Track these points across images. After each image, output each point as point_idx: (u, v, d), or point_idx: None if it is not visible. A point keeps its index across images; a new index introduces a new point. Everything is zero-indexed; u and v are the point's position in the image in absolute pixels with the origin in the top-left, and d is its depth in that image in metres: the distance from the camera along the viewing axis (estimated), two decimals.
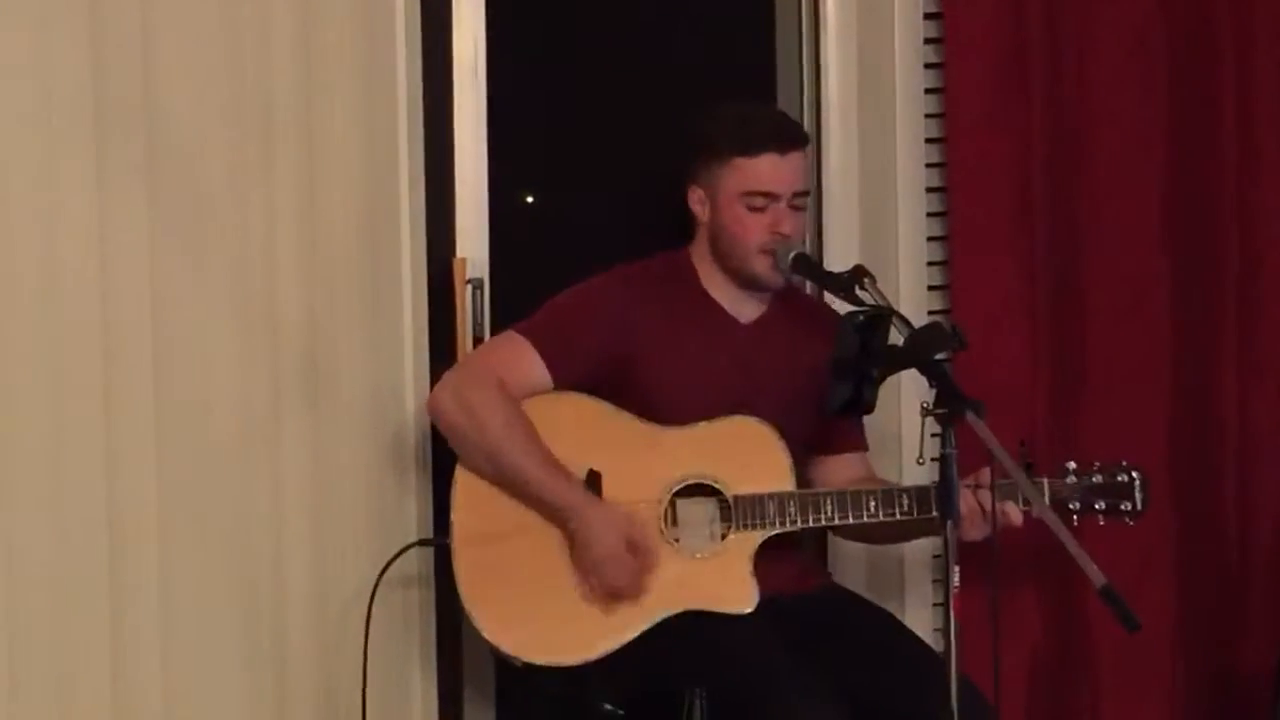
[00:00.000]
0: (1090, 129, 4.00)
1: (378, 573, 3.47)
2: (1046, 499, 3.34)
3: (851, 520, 3.36)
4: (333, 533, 3.53)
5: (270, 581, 3.47)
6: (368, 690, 3.46)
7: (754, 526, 3.33)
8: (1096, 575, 2.89)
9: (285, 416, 3.47)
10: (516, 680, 3.70)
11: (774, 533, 3.34)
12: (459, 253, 3.72)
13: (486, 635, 3.33)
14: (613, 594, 3.30)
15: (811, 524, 3.35)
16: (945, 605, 2.90)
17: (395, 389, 3.59)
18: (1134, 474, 3.44)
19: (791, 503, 3.34)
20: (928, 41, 3.97)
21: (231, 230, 3.43)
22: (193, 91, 3.39)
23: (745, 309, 3.50)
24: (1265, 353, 4.13)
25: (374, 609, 3.46)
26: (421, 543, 3.54)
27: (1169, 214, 4.07)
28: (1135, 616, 2.82)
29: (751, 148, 3.41)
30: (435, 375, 3.57)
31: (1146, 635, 3.51)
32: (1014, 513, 3.30)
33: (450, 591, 3.44)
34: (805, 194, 3.46)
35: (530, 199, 3.95)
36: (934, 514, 3.29)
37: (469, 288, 3.69)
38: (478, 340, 3.68)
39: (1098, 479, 3.44)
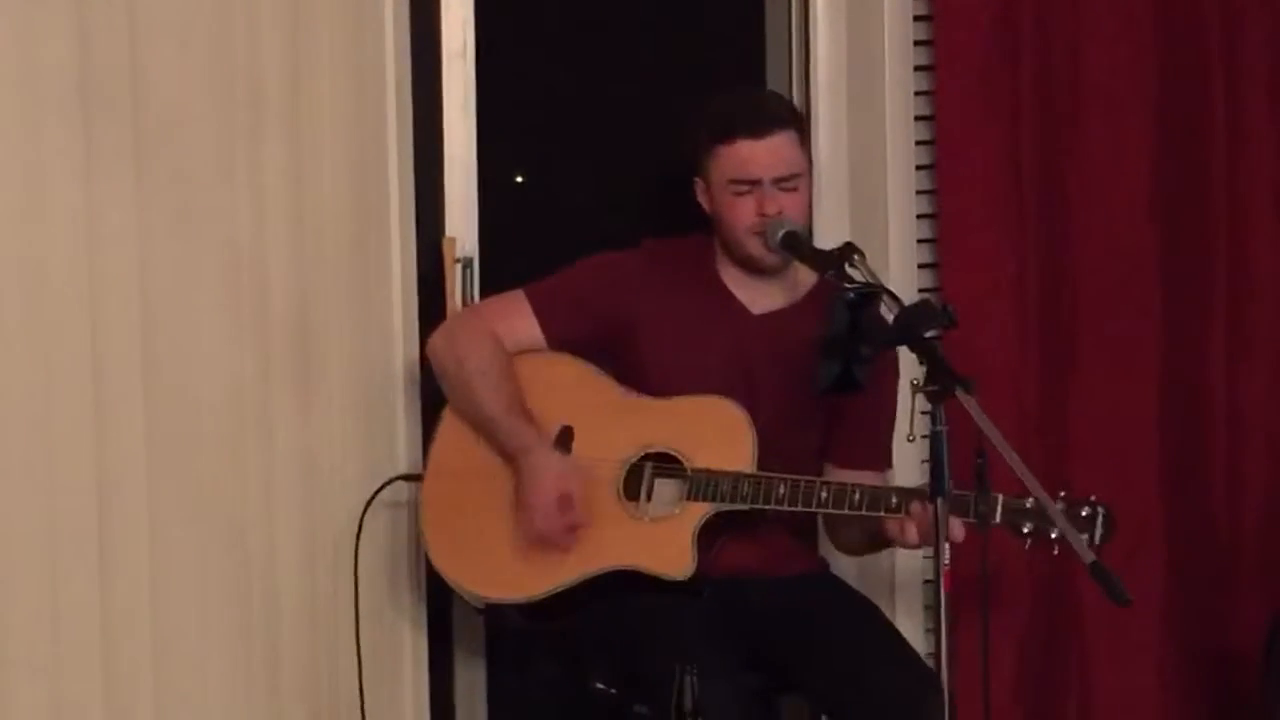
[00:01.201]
0: (1080, 108, 4.00)
1: (382, 571, 3.51)
2: (999, 517, 3.27)
3: (801, 507, 3.36)
4: (321, 512, 3.53)
5: (261, 570, 3.48)
6: (360, 632, 3.50)
7: (705, 499, 3.37)
8: (1085, 552, 2.89)
9: (275, 395, 3.47)
10: (509, 663, 3.72)
11: (723, 508, 3.37)
12: (448, 232, 3.72)
13: (432, 560, 3.44)
14: (538, 539, 3.37)
15: (761, 505, 3.37)
16: (936, 582, 2.90)
17: (385, 367, 3.59)
18: (1099, 509, 3.32)
19: (745, 482, 3.36)
20: (917, 19, 3.96)
21: (220, 209, 3.43)
22: (179, 71, 3.38)
23: (759, 299, 3.52)
24: (1254, 332, 4.14)
25: (360, 559, 3.49)
26: (400, 479, 3.58)
27: (1158, 193, 4.07)
28: (1125, 591, 2.83)
29: (727, 135, 3.43)
30: (425, 355, 3.58)
31: (1136, 612, 3.53)
32: (956, 528, 3.17)
33: (442, 593, 3.54)
34: (794, 175, 3.44)
35: (519, 178, 3.95)
36: (884, 514, 3.32)
37: (459, 266, 3.69)
38: None
39: (1060, 506, 3.19)
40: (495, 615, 3.59)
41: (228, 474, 3.44)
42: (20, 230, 3.26)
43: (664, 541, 3.37)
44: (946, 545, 2.90)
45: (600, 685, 3.43)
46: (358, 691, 3.51)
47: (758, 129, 3.42)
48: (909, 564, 3.93)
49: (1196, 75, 4.08)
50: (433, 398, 3.55)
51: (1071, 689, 4.03)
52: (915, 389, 2.95)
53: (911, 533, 3.31)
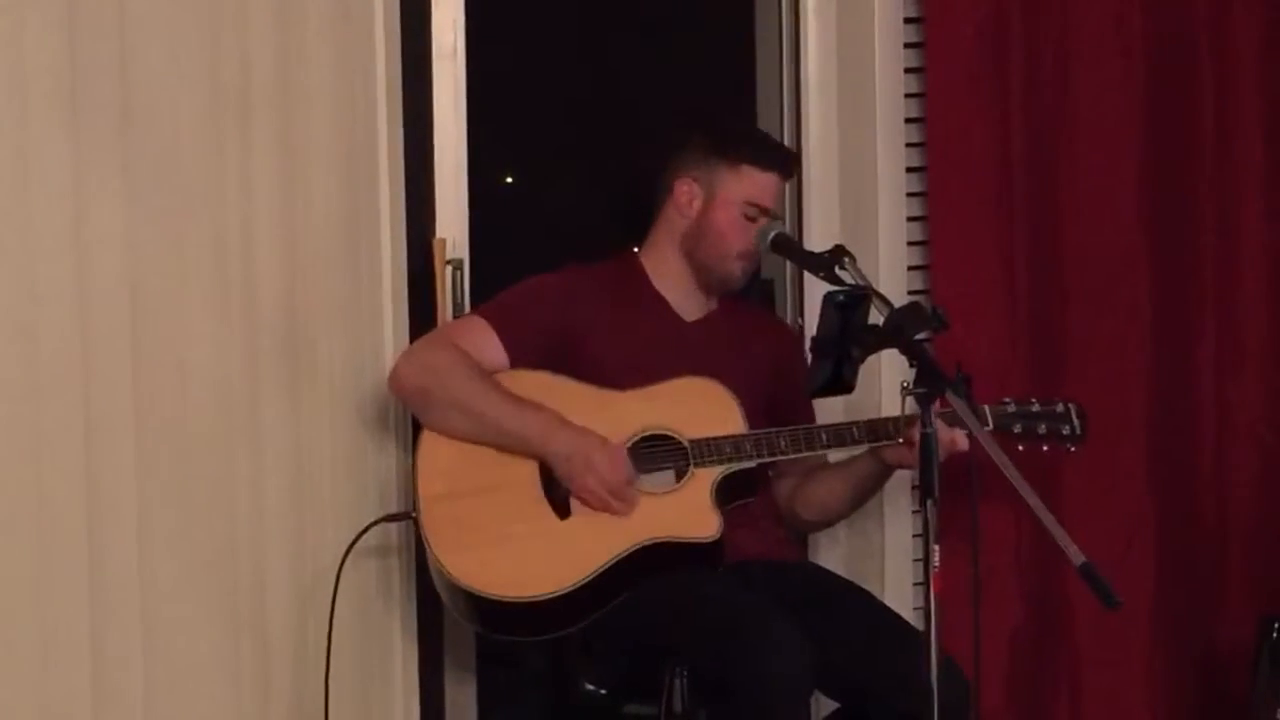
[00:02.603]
0: (1069, 110, 4.01)
1: (370, 571, 3.47)
2: (990, 423, 3.47)
3: (804, 450, 3.45)
4: (312, 513, 3.52)
5: (250, 559, 3.46)
6: (331, 663, 3.45)
7: (712, 462, 3.40)
8: (1075, 554, 2.89)
9: (264, 397, 3.47)
10: (499, 660, 3.72)
11: (735, 466, 3.40)
12: (439, 233, 3.72)
13: (460, 577, 3.36)
14: (599, 500, 3.35)
15: (766, 457, 3.43)
16: (925, 584, 2.90)
17: (375, 369, 3.58)
18: (1069, 405, 3.58)
19: (747, 441, 3.42)
20: (908, 21, 3.97)
21: (209, 210, 3.42)
22: (168, 72, 3.37)
23: (691, 307, 3.59)
24: (1243, 333, 4.15)
25: (341, 585, 3.45)
26: (389, 518, 3.54)
27: (1147, 194, 4.08)
28: (1115, 594, 2.83)
29: (765, 163, 3.53)
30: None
31: (1126, 612, 3.53)
32: (960, 438, 3.32)
33: (430, 592, 3.48)
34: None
35: (510, 179, 3.95)
36: (884, 442, 3.45)
37: (449, 268, 3.69)
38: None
39: (1035, 407, 3.56)
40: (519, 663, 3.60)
41: (217, 476, 3.43)
42: (8, 230, 3.25)
43: (686, 509, 3.39)
44: (936, 547, 2.90)
45: (590, 686, 3.43)
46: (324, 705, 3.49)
47: (787, 172, 3.59)
48: (895, 565, 3.94)
49: (1186, 77, 4.09)
50: None
51: (1062, 688, 4.03)
52: (905, 391, 2.96)
53: (911, 455, 3.31)
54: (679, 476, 3.41)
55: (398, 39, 3.61)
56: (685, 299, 3.58)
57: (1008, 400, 3.57)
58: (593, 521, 3.37)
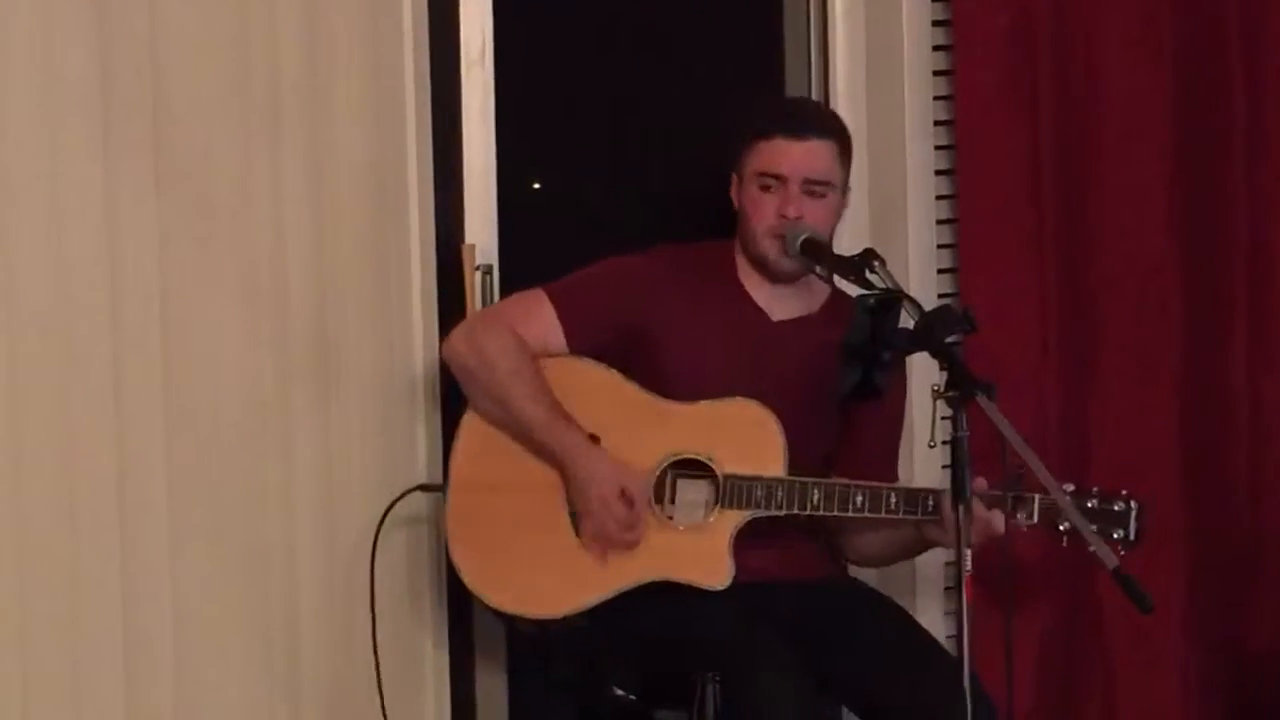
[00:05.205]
0: (1099, 111, 4.00)
1: (400, 575, 3.46)
2: (1035, 516, 3.30)
3: (837, 511, 3.35)
4: (343, 516, 3.52)
5: (282, 574, 3.47)
6: (378, 638, 3.47)
7: (739, 506, 3.35)
8: (1109, 557, 2.89)
9: (295, 402, 3.47)
10: (530, 667, 3.72)
11: (758, 514, 3.35)
12: (468, 239, 3.72)
13: (464, 579, 3.37)
14: (605, 539, 3.33)
15: (798, 510, 3.35)
16: (957, 589, 2.90)
17: (406, 374, 3.58)
18: (1132, 503, 3.34)
19: (780, 488, 3.35)
20: (936, 24, 3.96)
21: (239, 216, 3.42)
22: (199, 78, 3.37)
23: (779, 306, 3.50)
24: (1274, 332, 4.13)
25: (376, 567, 3.47)
26: (418, 489, 3.54)
27: (1178, 194, 4.06)
28: (1148, 597, 2.82)
29: (768, 131, 3.43)
30: (444, 356, 3.57)
31: (1158, 615, 3.52)
32: (996, 521, 3.24)
33: (461, 598, 3.51)
34: (824, 183, 3.43)
35: (538, 185, 3.95)
36: (920, 516, 3.32)
37: (478, 273, 3.69)
38: None
39: (1092, 504, 3.32)
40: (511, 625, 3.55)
41: (248, 481, 3.44)
42: (40, 233, 3.26)
43: (700, 551, 3.35)
44: (968, 551, 2.89)
45: (620, 691, 3.43)
46: (378, 702, 3.50)
47: (798, 131, 3.43)
48: (926, 571, 3.93)
49: (1216, 77, 4.08)
50: (453, 404, 3.54)
51: (1095, 692, 4.02)
52: (936, 395, 2.95)
53: (947, 538, 3.27)
54: (706, 510, 3.37)
55: (426, 45, 3.61)
56: (770, 297, 3.49)
57: (1067, 487, 3.24)
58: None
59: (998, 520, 3.21)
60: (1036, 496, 3.29)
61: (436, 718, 3.65)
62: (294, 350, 3.48)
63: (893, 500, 3.34)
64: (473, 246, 3.71)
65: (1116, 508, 3.33)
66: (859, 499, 3.34)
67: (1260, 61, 4.09)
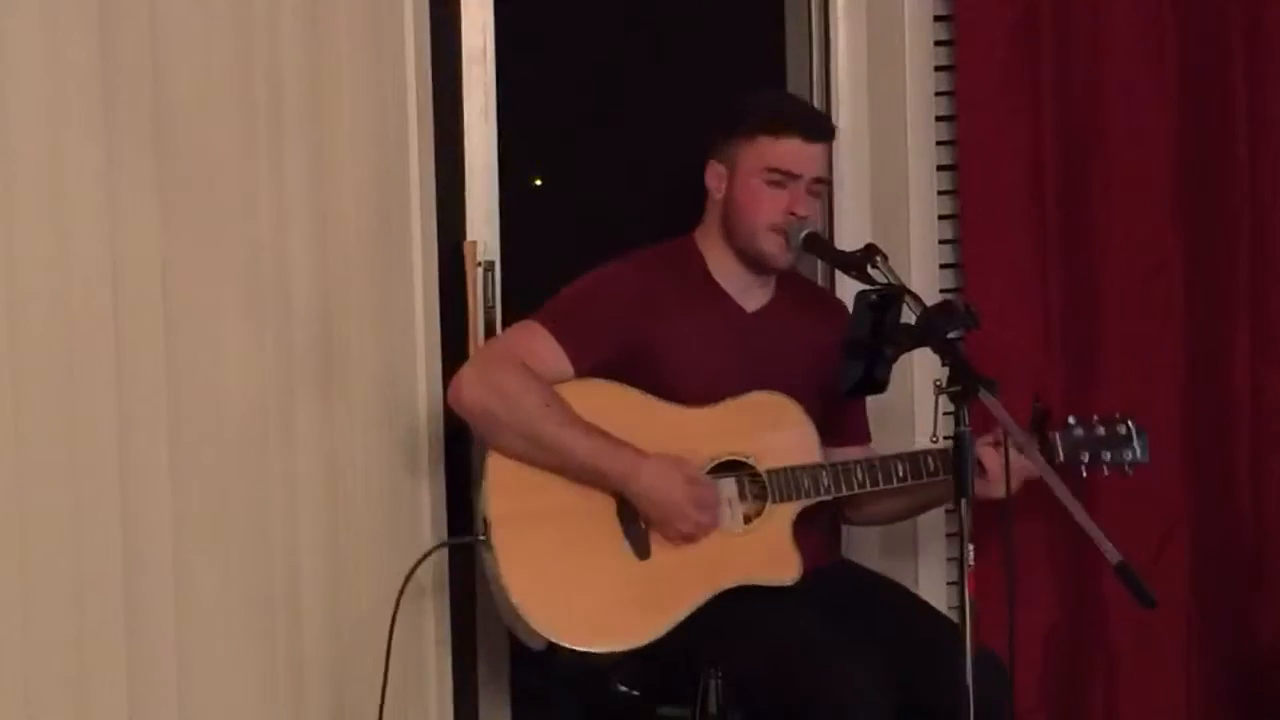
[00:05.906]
0: (1101, 106, 3.99)
1: (403, 576, 3.42)
2: (1061, 455, 3.48)
3: (882, 485, 3.42)
4: (346, 517, 3.53)
5: (285, 574, 3.47)
6: (387, 689, 3.43)
7: (790, 498, 3.37)
8: (1112, 552, 2.88)
9: (298, 402, 3.47)
10: (531, 664, 3.71)
11: (810, 502, 3.38)
12: (469, 236, 3.72)
13: (539, 628, 3.29)
14: (689, 531, 3.31)
15: (844, 492, 3.41)
16: (960, 584, 2.89)
17: (408, 372, 3.59)
18: (1129, 424, 3.57)
19: (824, 473, 3.39)
20: (938, 19, 3.96)
21: (241, 213, 3.42)
22: (201, 77, 3.38)
23: (751, 296, 3.51)
24: (1278, 330, 4.12)
25: (399, 610, 3.43)
26: (448, 544, 3.52)
27: (1181, 190, 4.06)
28: (1151, 593, 2.82)
29: (780, 129, 3.44)
30: (447, 358, 3.58)
31: (1162, 612, 3.52)
32: (1031, 459, 3.24)
33: (464, 589, 3.46)
34: (825, 182, 3.50)
35: (539, 182, 3.95)
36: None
37: (480, 270, 3.70)
38: (489, 323, 3.69)
39: (1101, 430, 3.55)
40: (551, 666, 3.42)
41: (251, 480, 3.44)
42: (43, 237, 3.26)
43: (767, 550, 3.36)
44: (971, 547, 2.89)
45: (623, 688, 3.42)
46: (379, 701, 3.48)
47: (812, 134, 3.47)
48: (929, 564, 3.93)
49: (1218, 75, 4.07)
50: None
51: (1097, 688, 4.02)
52: (938, 390, 2.95)
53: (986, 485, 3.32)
54: (740, 512, 3.37)
55: (428, 43, 3.62)
56: (742, 288, 3.50)
57: (1073, 421, 3.55)
58: (672, 563, 3.32)
59: (1032, 458, 3.15)
60: (1059, 434, 3.52)
61: (439, 713, 3.65)
62: (297, 347, 3.48)
63: (931, 463, 3.43)
64: (474, 243, 3.72)
65: (1120, 430, 3.56)
66: (900, 469, 3.43)
67: (1263, 60, 4.08)
